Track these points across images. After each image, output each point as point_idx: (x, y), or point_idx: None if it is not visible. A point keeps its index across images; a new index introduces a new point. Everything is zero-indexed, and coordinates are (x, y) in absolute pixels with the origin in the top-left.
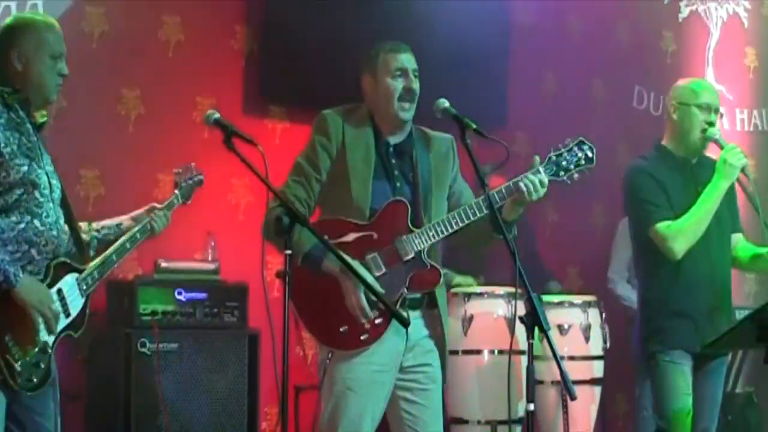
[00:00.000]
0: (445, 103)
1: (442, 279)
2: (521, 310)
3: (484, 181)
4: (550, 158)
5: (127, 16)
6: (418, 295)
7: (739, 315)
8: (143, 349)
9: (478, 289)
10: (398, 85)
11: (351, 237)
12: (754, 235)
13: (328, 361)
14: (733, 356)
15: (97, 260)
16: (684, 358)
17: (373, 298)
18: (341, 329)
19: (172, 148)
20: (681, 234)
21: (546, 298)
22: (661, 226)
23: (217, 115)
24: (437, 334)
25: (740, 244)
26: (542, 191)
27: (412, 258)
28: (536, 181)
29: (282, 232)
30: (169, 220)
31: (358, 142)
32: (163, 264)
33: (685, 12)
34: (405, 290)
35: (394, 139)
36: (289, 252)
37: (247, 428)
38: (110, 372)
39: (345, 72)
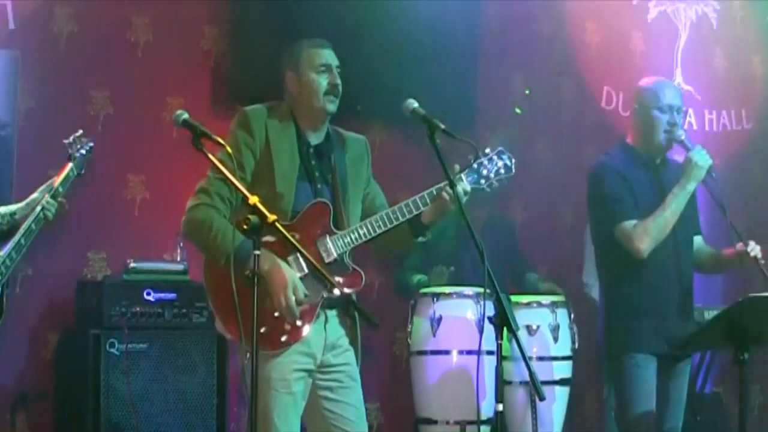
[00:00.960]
0: (414, 103)
1: (363, 282)
2: (490, 310)
3: (453, 183)
4: (471, 167)
5: (95, 17)
6: (333, 296)
7: (708, 315)
8: (112, 350)
9: (447, 290)
10: (323, 81)
11: (273, 237)
12: (719, 236)
13: (246, 362)
14: (701, 357)
15: (8, 248)
16: (648, 361)
17: (342, 296)
18: (261, 330)
19: (141, 148)
20: (647, 233)
21: (515, 298)
22: (628, 224)
23: (185, 116)
24: (352, 334)
25: (700, 245)
26: (464, 199)
27: (334, 260)
28: (459, 189)
29: (251, 232)
30: (65, 204)
31: (282, 141)
32: (132, 264)
33: (653, 12)
34: (325, 293)
35: (314, 140)
36: (257, 253)
37: (216, 428)
38: (79, 372)
39: None
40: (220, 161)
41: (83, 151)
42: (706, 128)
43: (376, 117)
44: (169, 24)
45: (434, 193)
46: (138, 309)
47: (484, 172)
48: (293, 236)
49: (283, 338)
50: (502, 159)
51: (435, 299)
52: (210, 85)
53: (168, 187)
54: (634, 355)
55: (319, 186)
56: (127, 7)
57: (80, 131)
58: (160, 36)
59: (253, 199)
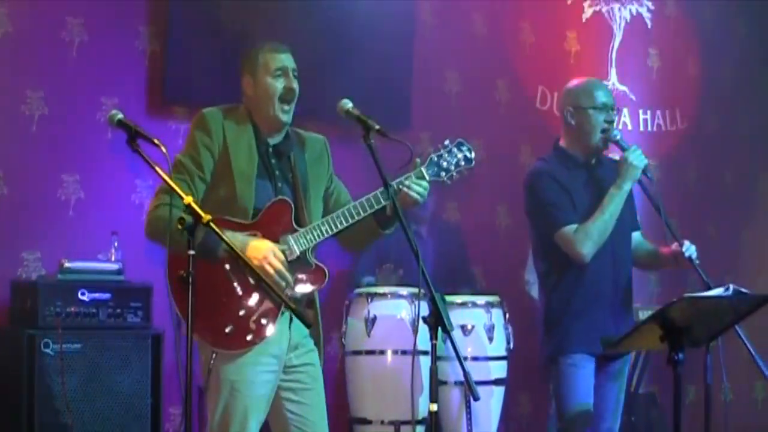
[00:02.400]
0: (348, 103)
1: (327, 278)
2: (425, 310)
3: (387, 182)
4: (431, 159)
5: (30, 17)
6: (297, 295)
7: (643, 315)
8: (47, 350)
9: (381, 290)
10: (279, 85)
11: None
12: (655, 236)
13: (212, 361)
14: (636, 357)
15: None
16: (586, 361)
17: (275, 296)
18: (227, 329)
19: (76, 148)
20: (589, 237)
21: (449, 298)
22: (568, 229)
23: (120, 116)
24: (316, 333)
25: (638, 241)
26: (426, 195)
27: (297, 258)
28: (424, 185)
29: (185, 231)
30: None
31: (240, 141)
32: (67, 264)
33: (588, 12)
34: (289, 290)
35: (273, 140)
36: (192, 252)
37: (151, 429)
38: (13, 372)
39: None
40: (181, 162)
41: None
42: (641, 128)
43: (310, 117)
44: (104, 24)
45: (396, 187)
46: (72, 309)
47: (444, 164)
48: (255, 234)
49: (249, 337)
50: (461, 150)
51: (369, 299)
52: (145, 85)
53: (103, 187)
54: (571, 355)
55: (279, 184)
56: (62, 6)
57: None
58: (95, 36)
59: (188, 199)
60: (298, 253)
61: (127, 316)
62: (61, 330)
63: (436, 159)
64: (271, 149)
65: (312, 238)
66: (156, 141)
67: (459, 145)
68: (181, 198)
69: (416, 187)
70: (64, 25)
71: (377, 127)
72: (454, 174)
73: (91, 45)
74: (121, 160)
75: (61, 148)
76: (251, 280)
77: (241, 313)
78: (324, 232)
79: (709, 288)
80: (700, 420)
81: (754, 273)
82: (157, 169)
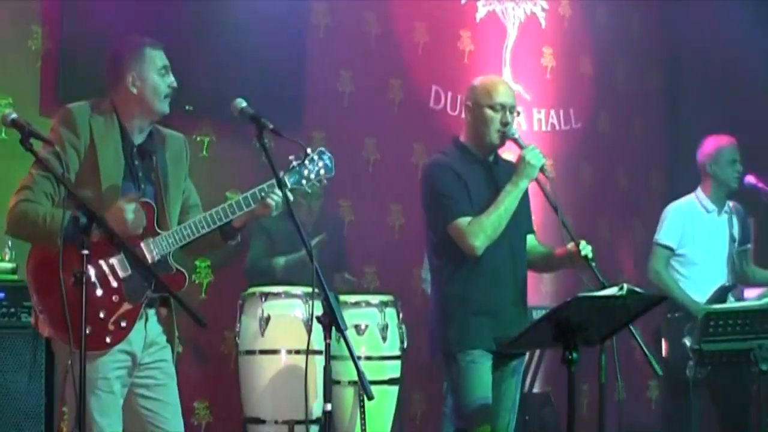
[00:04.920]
0: (242, 102)
1: (186, 282)
2: (319, 309)
3: (281, 183)
4: (293, 168)
5: None
6: (155, 296)
7: (537, 314)
8: None
9: (275, 289)
10: (165, 82)
11: (96, 237)
12: (552, 236)
13: (70, 362)
14: (530, 356)
15: None
16: (484, 357)
17: (179, 301)
18: (86, 331)
19: None
20: (482, 231)
21: (343, 298)
22: (462, 221)
23: (14, 115)
24: (169, 331)
25: (533, 244)
26: (280, 204)
27: (158, 261)
28: (279, 195)
29: (80, 231)
30: None
31: (106, 141)
32: None
33: (482, 12)
34: (149, 293)
35: (137, 139)
36: (86, 252)
37: (45, 428)
38: None
39: None
40: (47, 159)
41: None
42: (535, 128)
43: (205, 117)
44: None
45: (258, 195)
46: None
47: (305, 172)
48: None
49: (108, 339)
50: (322, 159)
51: (263, 299)
52: (39, 85)
53: None
54: (470, 351)
55: (143, 186)
56: None
57: None
58: None
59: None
60: (158, 257)
61: (22, 315)
62: None
63: (297, 167)
64: (135, 149)
65: (174, 242)
66: (50, 140)
67: (320, 154)
68: (75, 197)
69: (275, 196)
70: None
71: (271, 126)
72: (314, 183)
73: None
74: (15, 159)
75: None
76: (112, 282)
77: (101, 315)
78: (186, 236)
79: (604, 287)
80: (594, 419)
81: (647, 272)
82: (52, 168)
